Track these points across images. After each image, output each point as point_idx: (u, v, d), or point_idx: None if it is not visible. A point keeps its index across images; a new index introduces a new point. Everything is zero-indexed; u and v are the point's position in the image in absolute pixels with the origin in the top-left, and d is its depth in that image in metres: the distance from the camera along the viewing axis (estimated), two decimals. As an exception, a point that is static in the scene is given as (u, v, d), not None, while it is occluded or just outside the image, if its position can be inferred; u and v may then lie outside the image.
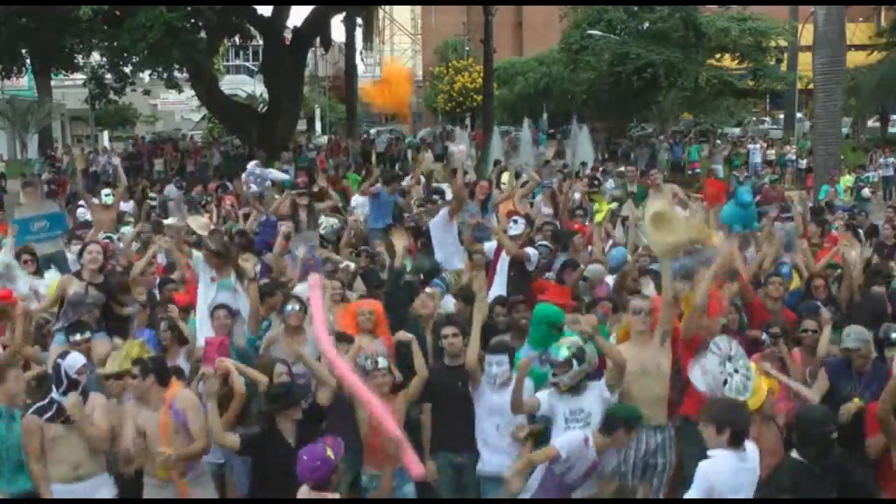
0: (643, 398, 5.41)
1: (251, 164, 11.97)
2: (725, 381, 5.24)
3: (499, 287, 7.86)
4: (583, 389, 5.24)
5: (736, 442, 4.29)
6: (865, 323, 5.94)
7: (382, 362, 5.58)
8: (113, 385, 5.67)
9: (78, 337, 6.06)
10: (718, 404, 4.66)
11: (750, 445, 4.42)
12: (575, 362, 5.15)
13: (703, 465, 4.29)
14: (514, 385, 5.28)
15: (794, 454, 4.62)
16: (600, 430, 4.98)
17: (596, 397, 5.26)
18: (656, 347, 5.55)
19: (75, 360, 5.11)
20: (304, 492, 4.23)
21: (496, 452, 5.51)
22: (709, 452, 4.32)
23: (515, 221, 8.58)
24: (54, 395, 5.09)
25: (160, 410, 5.18)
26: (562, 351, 5.19)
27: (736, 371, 5.29)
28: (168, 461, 5.03)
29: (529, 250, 8.09)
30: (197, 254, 6.99)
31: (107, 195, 11.46)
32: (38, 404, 5.14)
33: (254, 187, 11.29)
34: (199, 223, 9.42)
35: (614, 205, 11.44)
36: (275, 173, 12.61)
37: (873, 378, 5.56)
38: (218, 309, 6.36)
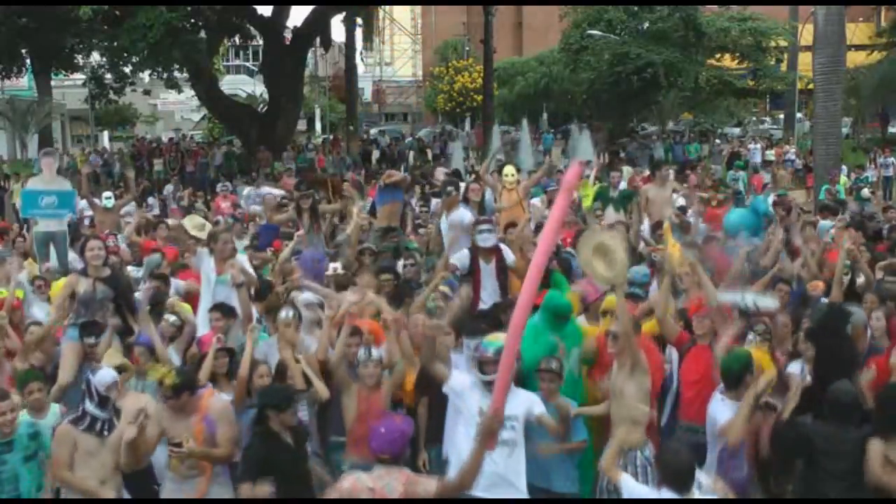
0: (616, 418, 5.34)
1: (247, 190, 14.06)
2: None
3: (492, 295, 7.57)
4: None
5: (669, 483, 4.16)
6: None
7: (375, 353, 5.61)
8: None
9: (93, 340, 6.06)
10: (668, 448, 4.62)
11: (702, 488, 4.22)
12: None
13: (634, 485, 4.38)
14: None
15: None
16: None
17: (522, 404, 4.79)
18: (625, 373, 5.31)
19: (104, 376, 4.96)
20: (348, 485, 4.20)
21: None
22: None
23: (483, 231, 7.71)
24: (88, 406, 4.93)
25: (194, 418, 5.19)
26: (492, 346, 4.75)
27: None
28: (182, 454, 5.00)
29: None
30: (201, 250, 7.04)
31: (107, 198, 11.43)
32: (73, 415, 4.98)
33: (256, 207, 12.33)
34: (195, 223, 9.40)
35: (597, 186, 11.25)
36: (266, 189, 13.57)
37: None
38: (213, 311, 6.35)
